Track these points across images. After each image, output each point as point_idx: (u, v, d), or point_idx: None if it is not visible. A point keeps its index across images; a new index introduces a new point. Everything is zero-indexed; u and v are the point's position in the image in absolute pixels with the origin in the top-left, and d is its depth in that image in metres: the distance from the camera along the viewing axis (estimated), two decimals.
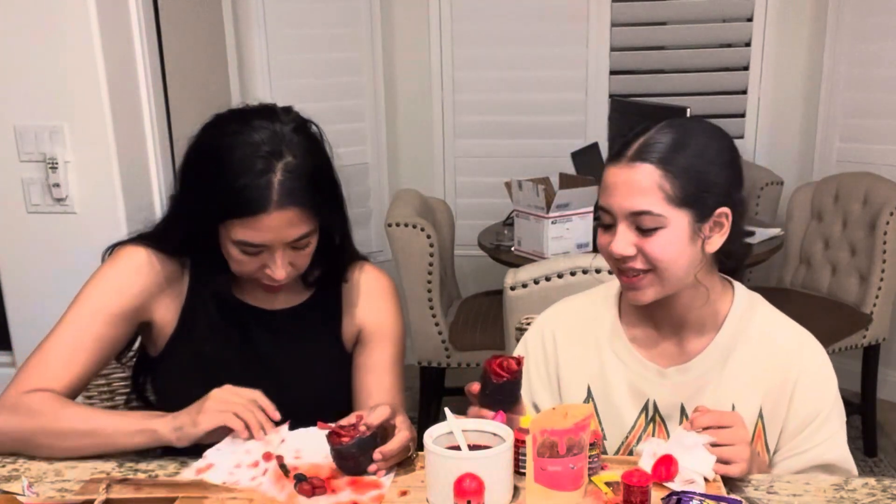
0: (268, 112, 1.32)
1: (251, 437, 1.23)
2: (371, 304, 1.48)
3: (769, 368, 1.29)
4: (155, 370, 1.45)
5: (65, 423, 1.27)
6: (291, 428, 1.26)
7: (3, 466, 1.26)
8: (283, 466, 1.19)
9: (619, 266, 1.24)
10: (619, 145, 1.24)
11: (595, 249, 2.71)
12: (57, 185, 2.14)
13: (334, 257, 1.44)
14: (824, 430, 1.28)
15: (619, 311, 1.36)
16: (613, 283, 1.39)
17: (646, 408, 1.31)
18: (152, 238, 1.41)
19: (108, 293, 1.37)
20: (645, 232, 1.20)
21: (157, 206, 2.36)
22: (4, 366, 2.36)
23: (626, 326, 1.35)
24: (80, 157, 2.15)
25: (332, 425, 1.19)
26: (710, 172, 1.22)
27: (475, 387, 1.23)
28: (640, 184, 1.19)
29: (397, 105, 3.77)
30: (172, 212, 1.40)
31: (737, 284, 1.34)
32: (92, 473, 1.23)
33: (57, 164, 2.13)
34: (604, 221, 1.25)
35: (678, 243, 1.21)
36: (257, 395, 1.26)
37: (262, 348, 1.42)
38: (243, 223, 1.26)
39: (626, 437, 1.33)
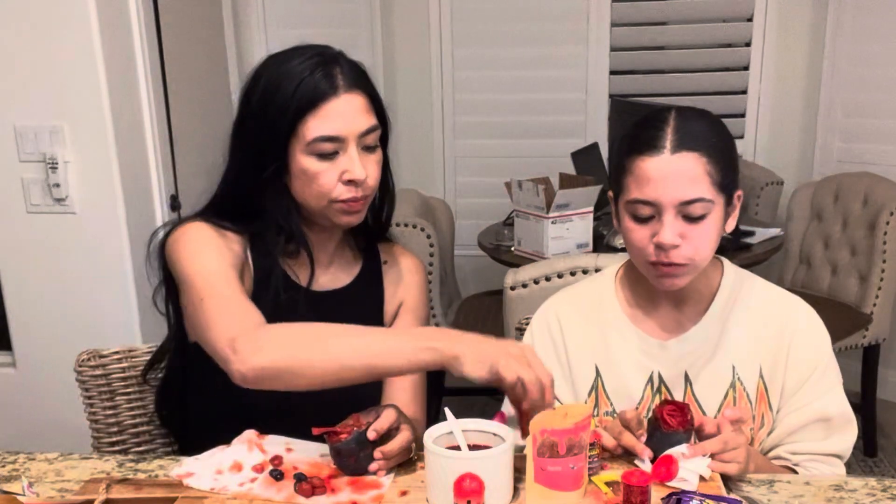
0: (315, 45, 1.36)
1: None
2: (406, 281, 1.49)
3: (765, 328, 1.33)
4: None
5: (333, 349, 1.15)
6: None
7: (3, 466, 1.26)
8: (274, 472, 1.18)
9: (657, 258, 1.25)
10: (646, 137, 1.24)
11: (595, 249, 2.72)
12: (57, 186, 2.14)
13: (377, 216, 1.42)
14: (822, 384, 1.32)
15: (617, 290, 1.40)
16: (609, 267, 1.44)
17: (651, 380, 1.35)
18: (212, 212, 1.36)
19: (215, 251, 1.29)
20: (692, 220, 1.23)
21: (157, 206, 2.36)
22: (4, 366, 2.36)
23: (624, 305, 1.39)
24: (80, 157, 2.15)
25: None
26: (734, 156, 1.28)
27: (629, 414, 1.19)
28: (690, 172, 1.21)
29: (397, 105, 3.76)
30: (229, 172, 1.36)
31: (722, 257, 1.38)
32: (92, 473, 1.23)
33: (57, 164, 2.13)
34: (641, 215, 1.25)
35: (717, 229, 1.26)
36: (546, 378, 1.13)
37: None
38: (315, 115, 1.26)
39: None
